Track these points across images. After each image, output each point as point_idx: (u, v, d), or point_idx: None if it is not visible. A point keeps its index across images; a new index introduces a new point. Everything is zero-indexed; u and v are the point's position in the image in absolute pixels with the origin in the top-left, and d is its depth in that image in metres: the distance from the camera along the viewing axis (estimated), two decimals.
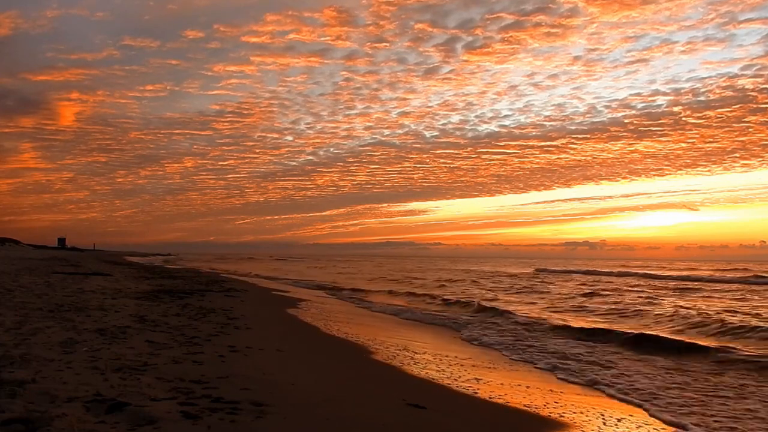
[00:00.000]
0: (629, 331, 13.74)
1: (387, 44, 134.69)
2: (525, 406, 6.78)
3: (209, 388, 5.56)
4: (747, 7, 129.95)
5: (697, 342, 12.23)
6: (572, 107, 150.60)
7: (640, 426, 6.34)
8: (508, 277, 43.42)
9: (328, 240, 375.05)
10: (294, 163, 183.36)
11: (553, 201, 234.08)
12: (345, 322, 14.71)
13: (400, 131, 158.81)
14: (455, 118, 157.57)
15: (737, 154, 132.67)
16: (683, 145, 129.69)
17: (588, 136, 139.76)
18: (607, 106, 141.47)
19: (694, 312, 17.37)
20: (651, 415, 6.87)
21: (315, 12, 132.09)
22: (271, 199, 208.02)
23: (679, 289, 30.09)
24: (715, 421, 6.66)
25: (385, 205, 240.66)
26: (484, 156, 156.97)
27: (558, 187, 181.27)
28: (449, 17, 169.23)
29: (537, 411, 6.58)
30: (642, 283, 36.77)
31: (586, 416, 6.51)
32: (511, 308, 19.10)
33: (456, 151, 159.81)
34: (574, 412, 6.64)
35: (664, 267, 70.84)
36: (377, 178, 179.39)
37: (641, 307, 19.30)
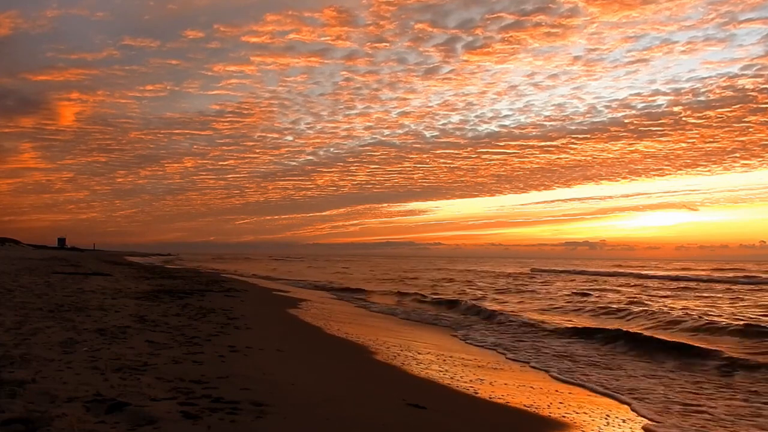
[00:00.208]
0: (617, 328, 13.99)
1: (387, 44, 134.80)
2: (525, 406, 6.79)
3: (209, 388, 5.56)
4: (747, 7, 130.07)
5: (683, 341, 12.32)
6: (572, 107, 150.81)
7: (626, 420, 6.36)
8: (503, 277, 43.77)
9: (328, 240, 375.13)
10: (294, 163, 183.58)
11: (553, 201, 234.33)
12: (344, 322, 14.71)
13: (400, 131, 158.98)
14: (455, 118, 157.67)
15: (737, 154, 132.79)
16: (683, 145, 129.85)
17: (588, 136, 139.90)
18: (607, 106, 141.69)
19: (677, 312, 17.48)
20: (633, 410, 7.13)
21: (315, 12, 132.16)
22: (271, 199, 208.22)
23: (670, 289, 30.36)
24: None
25: (385, 205, 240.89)
26: (484, 156, 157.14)
27: (558, 187, 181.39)
28: (449, 17, 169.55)
29: (537, 411, 6.59)
30: (632, 283, 37.07)
31: (589, 416, 6.52)
32: (498, 308, 19.44)
33: (456, 151, 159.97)
34: (576, 412, 6.65)
35: (660, 267, 71.07)
36: (377, 178, 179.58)
37: (625, 306, 19.55)
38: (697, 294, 26.83)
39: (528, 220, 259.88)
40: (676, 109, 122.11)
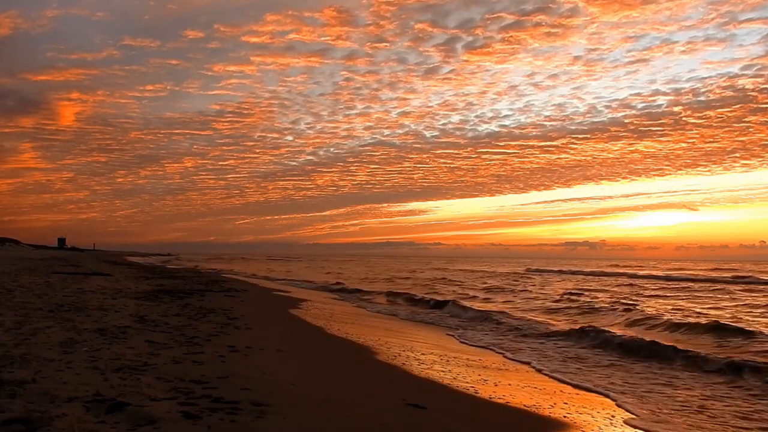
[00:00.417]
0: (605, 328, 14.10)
1: (387, 44, 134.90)
2: (525, 405, 6.79)
3: (209, 388, 5.56)
4: (747, 6, 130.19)
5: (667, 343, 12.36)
6: (572, 107, 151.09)
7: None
8: (497, 277, 44.18)
9: (328, 240, 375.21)
10: (294, 163, 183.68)
11: (553, 201, 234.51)
12: (344, 322, 14.72)
13: (400, 131, 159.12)
14: (455, 118, 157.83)
15: (737, 154, 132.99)
16: (683, 145, 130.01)
17: (588, 136, 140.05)
18: (607, 106, 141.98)
19: (660, 312, 17.59)
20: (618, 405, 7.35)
21: (315, 12, 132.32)
22: (271, 199, 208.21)
23: (661, 289, 30.56)
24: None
25: (385, 205, 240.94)
26: (484, 156, 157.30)
27: (558, 187, 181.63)
28: (449, 17, 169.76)
29: (536, 411, 6.59)
30: (623, 282, 37.32)
31: (591, 416, 6.52)
32: (483, 306, 19.94)
33: (456, 151, 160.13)
34: (578, 412, 6.65)
35: (656, 267, 71.32)
36: (377, 178, 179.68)
37: (608, 306, 19.76)
38: (687, 294, 27.05)
39: (528, 220, 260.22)
40: (676, 109, 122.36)
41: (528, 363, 10.27)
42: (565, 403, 7.12)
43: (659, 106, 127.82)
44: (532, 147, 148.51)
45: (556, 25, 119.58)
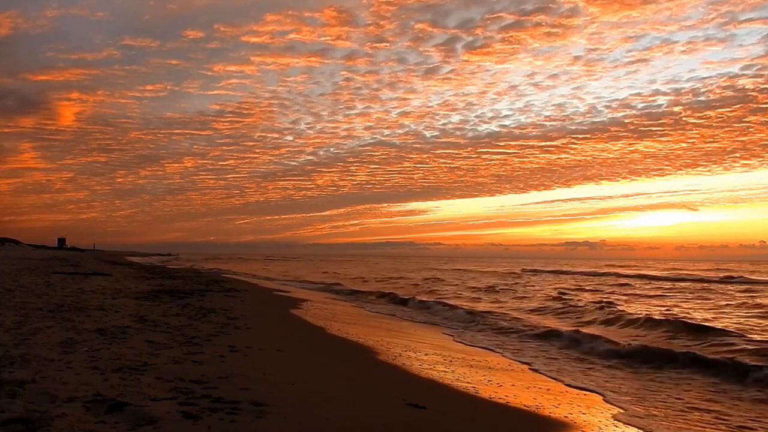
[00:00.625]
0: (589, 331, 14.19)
1: (387, 44, 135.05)
2: (525, 405, 6.78)
3: (209, 388, 5.56)
4: (747, 6, 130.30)
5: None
6: (572, 107, 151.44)
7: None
8: (489, 277, 44.58)
9: (328, 240, 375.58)
10: (294, 163, 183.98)
11: (553, 201, 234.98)
12: (343, 322, 14.72)
13: (400, 131, 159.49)
14: (455, 118, 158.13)
15: (737, 154, 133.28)
16: (683, 145, 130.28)
17: (588, 136, 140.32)
18: (607, 106, 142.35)
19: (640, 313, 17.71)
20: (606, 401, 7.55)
21: (315, 12, 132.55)
22: (271, 199, 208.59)
23: (651, 289, 30.70)
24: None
25: (385, 205, 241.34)
26: (484, 156, 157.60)
27: (558, 187, 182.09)
28: (449, 17, 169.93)
29: (537, 411, 6.59)
30: (615, 282, 37.51)
31: (591, 416, 6.52)
32: (465, 305, 20.45)
33: (456, 151, 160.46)
34: (581, 413, 6.65)
35: (651, 267, 71.64)
36: (377, 178, 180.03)
37: (585, 305, 19.92)
38: (675, 293, 27.21)
39: (528, 220, 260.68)
40: (676, 109, 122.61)
41: (491, 349, 10.45)
42: (550, 398, 7.13)
43: (659, 106, 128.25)
44: (532, 147, 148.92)
45: (556, 25, 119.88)
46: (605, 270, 58.79)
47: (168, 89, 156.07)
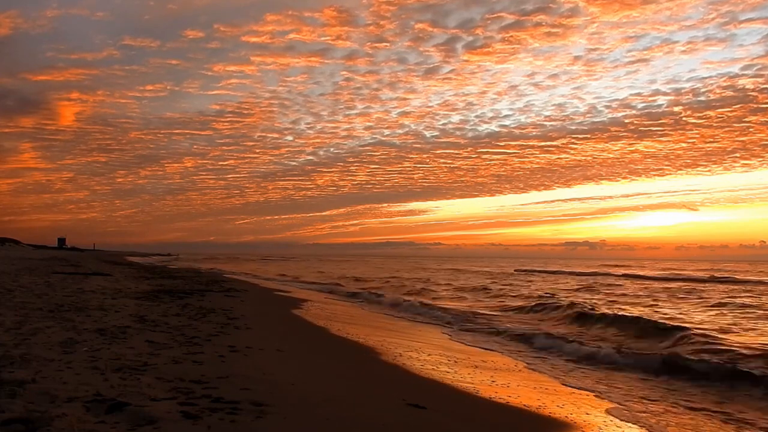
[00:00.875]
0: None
1: (387, 44, 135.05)
2: (524, 405, 6.78)
3: (209, 388, 5.56)
4: (748, 6, 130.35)
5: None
6: (572, 107, 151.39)
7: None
8: (482, 277, 44.89)
9: (328, 240, 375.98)
10: (294, 163, 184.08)
11: (553, 201, 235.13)
12: (343, 321, 14.71)
13: (400, 131, 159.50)
14: (455, 118, 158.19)
15: (737, 154, 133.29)
16: (683, 145, 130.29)
17: (588, 136, 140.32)
18: (607, 106, 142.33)
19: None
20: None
21: (315, 12, 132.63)
22: (271, 199, 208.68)
23: (641, 289, 30.70)
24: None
25: (385, 205, 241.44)
26: (484, 156, 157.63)
27: (558, 187, 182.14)
28: (449, 17, 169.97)
29: (536, 410, 6.58)
30: (601, 282, 37.68)
31: (591, 415, 6.52)
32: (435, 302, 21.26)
33: (456, 151, 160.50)
34: (584, 413, 6.65)
35: (645, 267, 71.74)
36: (377, 178, 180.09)
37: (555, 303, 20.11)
38: (659, 293, 27.19)
39: (528, 220, 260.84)
40: (676, 109, 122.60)
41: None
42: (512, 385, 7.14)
43: (659, 106, 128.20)
44: (532, 147, 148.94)
45: (557, 25, 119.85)
46: (597, 270, 59.28)
47: (168, 89, 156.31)
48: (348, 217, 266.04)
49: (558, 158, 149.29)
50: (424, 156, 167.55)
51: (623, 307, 19.98)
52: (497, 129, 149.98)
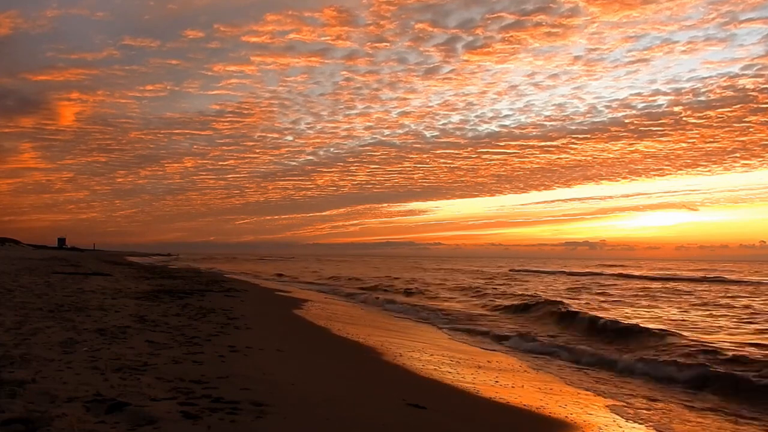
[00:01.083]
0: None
1: (387, 44, 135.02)
2: (524, 404, 6.79)
3: (209, 388, 5.56)
4: (748, 6, 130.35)
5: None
6: (572, 107, 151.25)
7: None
8: (478, 276, 45.20)
9: (328, 240, 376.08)
10: (294, 163, 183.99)
11: (553, 201, 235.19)
12: (343, 321, 14.71)
13: (400, 131, 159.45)
14: (455, 118, 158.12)
15: (737, 154, 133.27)
16: (683, 145, 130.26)
17: (588, 136, 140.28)
18: (607, 106, 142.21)
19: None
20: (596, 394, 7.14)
21: (315, 12, 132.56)
22: (271, 199, 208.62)
23: (632, 289, 30.68)
24: None
25: (385, 205, 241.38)
26: (484, 156, 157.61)
27: (558, 187, 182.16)
28: (450, 17, 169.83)
29: (536, 410, 6.58)
30: (592, 282, 37.79)
31: (591, 415, 6.52)
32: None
33: (456, 151, 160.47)
34: (583, 412, 6.65)
35: (641, 267, 71.92)
36: (377, 178, 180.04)
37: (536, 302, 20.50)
38: (647, 293, 27.19)
39: (528, 220, 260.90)
40: (676, 109, 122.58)
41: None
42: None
43: (659, 106, 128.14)
44: (532, 147, 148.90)
45: (557, 25, 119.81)
46: (592, 270, 59.60)
47: (168, 89, 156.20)
48: (348, 217, 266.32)
49: (558, 158, 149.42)
50: (424, 156, 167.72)
51: (605, 307, 20.20)
52: (497, 129, 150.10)
